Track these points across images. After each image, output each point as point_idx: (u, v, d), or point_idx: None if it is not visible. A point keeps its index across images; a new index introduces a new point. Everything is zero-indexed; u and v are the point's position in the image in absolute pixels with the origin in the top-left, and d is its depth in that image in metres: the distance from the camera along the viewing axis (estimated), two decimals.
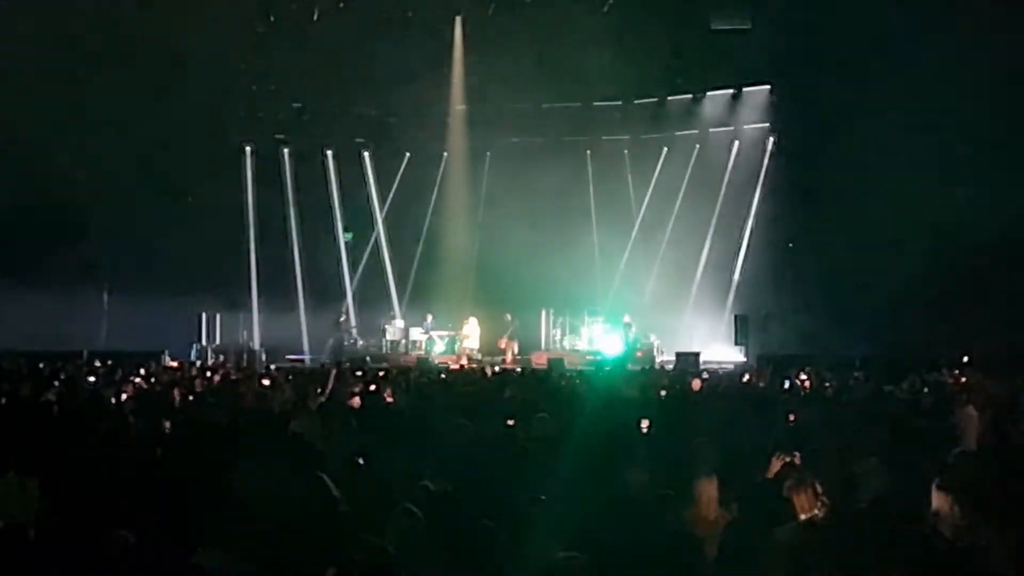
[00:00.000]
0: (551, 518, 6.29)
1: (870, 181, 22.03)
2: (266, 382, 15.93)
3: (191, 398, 13.43)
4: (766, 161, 27.37)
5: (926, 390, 14.42)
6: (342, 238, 29.75)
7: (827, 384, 15.64)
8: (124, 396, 13.65)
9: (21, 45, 19.88)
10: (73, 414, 11.04)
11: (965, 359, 18.53)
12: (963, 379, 15.67)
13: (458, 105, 29.23)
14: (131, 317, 22.96)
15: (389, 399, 13.43)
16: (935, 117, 20.09)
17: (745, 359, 24.93)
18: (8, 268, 21.53)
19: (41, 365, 18.27)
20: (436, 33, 26.00)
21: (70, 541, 5.59)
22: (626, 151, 29.73)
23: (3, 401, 12.31)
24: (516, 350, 26.96)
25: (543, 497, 6.54)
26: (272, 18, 24.18)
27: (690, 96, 28.67)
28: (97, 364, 19.22)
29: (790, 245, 26.19)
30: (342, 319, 27.77)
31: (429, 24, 24.70)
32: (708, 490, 6.62)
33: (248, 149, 29.26)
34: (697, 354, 24.67)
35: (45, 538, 5.69)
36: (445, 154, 30.32)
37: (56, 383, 14.72)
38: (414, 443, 9.16)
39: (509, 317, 27.09)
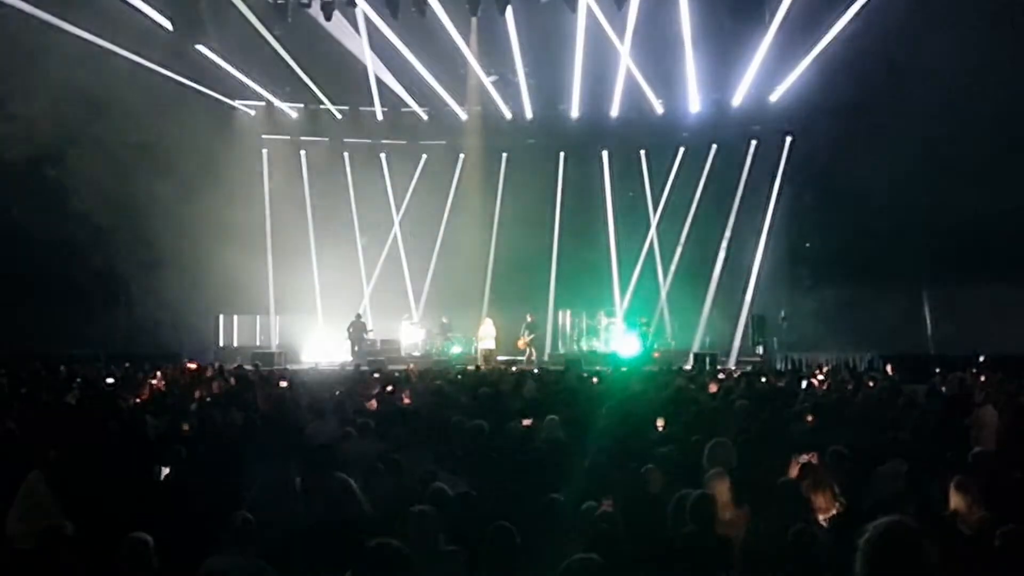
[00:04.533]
0: (568, 519, 6.28)
1: (888, 182, 21.93)
2: (283, 384, 15.96)
3: (208, 400, 13.49)
4: (783, 162, 27.25)
5: (945, 390, 14.34)
6: (359, 240, 29.79)
7: (846, 384, 15.56)
8: (141, 398, 13.73)
9: (28, 42, 19.98)
10: (90, 416, 11.10)
11: (983, 359, 18.41)
12: (982, 379, 15.56)
13: (475, 107, 29.27)
14: (149, 319, 23.02)
15: (406, 400, 13.45)
16: (953, 118, 19.98)
17: (762, 359, 24.85)
18: (26, 272, 21.65)
19: (61, 367, 18.40)
20: (452, 35, 25.97)
21: (89, 543, 5.62)
22: (643, 152, 29.67)
23: (25, 403, 12.38)
24: (534, 351, 26.96)
25: (560, 497, 6.52)
26: (288, 19, 24.24)
27: (707, 97, 28.59)
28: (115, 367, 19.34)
29: (807, 245, 26.10)
30: (359, 321, 27.81)
31: (445, 25, 24.68)
32: (721, 490, 6.59)
33: (265, 152, 29.42)
34: (715, 355, 24.61)
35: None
36: (462, 156, 30.34)
37: (74, 385, 14.82)
38: (431, 444, 9.18)
39: (530, 318, 27.08)
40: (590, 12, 23.86)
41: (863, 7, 21.69)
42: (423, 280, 29.63)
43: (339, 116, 29.93)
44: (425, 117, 29.91)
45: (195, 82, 24.96)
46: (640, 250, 28.56)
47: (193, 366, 20.70)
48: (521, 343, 26.78)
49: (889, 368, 18.19)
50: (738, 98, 27.49)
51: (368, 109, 29.32)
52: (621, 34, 24.70)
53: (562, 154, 29.69)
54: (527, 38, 25.08)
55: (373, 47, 25.30)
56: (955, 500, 5.57)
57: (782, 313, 25.87)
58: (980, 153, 20.15)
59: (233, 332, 27.97)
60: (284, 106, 29.35)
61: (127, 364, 19.83)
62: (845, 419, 11.01)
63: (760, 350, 25.63)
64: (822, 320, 23.82)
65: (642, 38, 24.67)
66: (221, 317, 27.50)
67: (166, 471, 8.14)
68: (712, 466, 7.10)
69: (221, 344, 27.36)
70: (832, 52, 23.32)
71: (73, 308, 22.11)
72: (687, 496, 6.24)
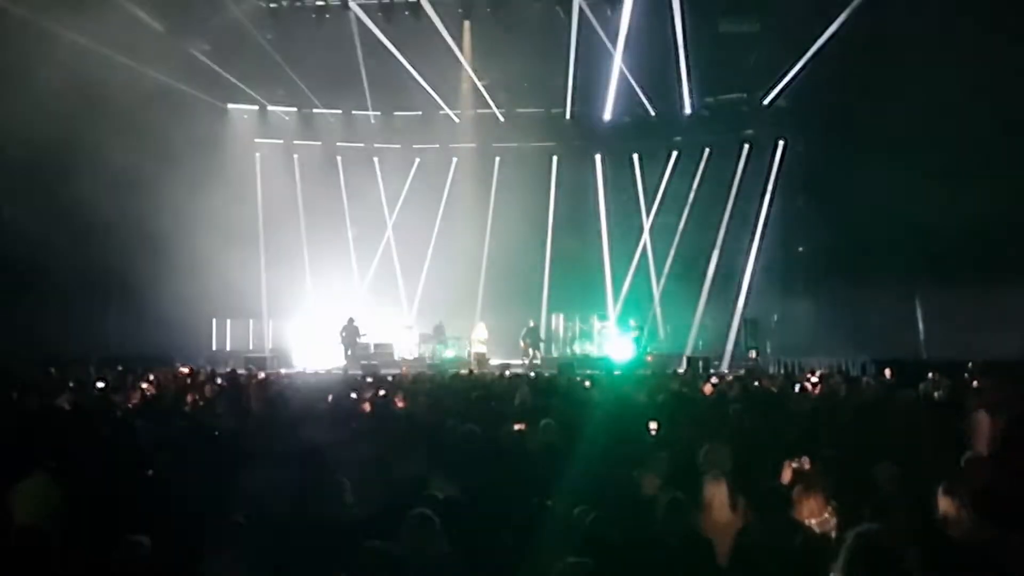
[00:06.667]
0: (560, 523, 6.28)
1: (880, 185, 21.96)
2: (276, 388, 15.91)
3: (201, 404, 13.45)
4: (775, 166, 27.30)
5: (938, 394, 14.33)
6: (352, 244, 29.79)
7: (838, 388, 15.55)
8: (132, 403, 13.68)
9: (25, 43, 19.93)
10: (82, 420, 11.05)
11: (971, 364, 18.41)
12: (975, 383, 15.55)
13: (467, 110, 29.29)
14: (142, 322, 22.95)
15: (399, 404, 13.42)
16: (943, 122, 20.02)
17: (755, 363, 24.85)
18: (17, 274, 21.57)
19: (52, 370, 18.32)
20: (445, 38, 26.00)
21: (85, 546, 5.60)
22: (635, 155, 29.71)
23: (16, 407, 12.33)
24: (536, 355, 26.95)
25: (552, 502, 6.52)
26: (281, 22, 24.23)
27: (700, 101, 28.64)
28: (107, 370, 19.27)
29: (800, 249, 26.14)
30: (352, 325, 27.78)
31: (438, 29, 24.70)
32: (718, 493, 6.59)
33: (258, 155, 29.39)
34: (708, 358, 24.62)
35: (61, 542, 5.70)
36: (455, 159, 30.36)
37: (66, 390, 14.74)
38: (424, 449, 9.16)
39: (532, 323, 27.07)
40: (583, 15, 23.87)
41: (856, 9, 21.73)
42: (416, 284, 29.63)
43: (332, 119, 29.94)
44: (418, 120, 29.95)
45: (188, 85, 24.92)
46: (633, 253, 28.61)
47: (185, 370, 20.65)
48: (525, 346, 26.75)
49: (882, 372, 18.20)
50: (730, 101, 27.56)
51: (361, 112, 29.33)
52: (614, 37, 24.74)
53: (555, 157, 29.76)
54: (520, 41, 25.08)
55: (366, 50, 25.29)
56: (943, 504, 5.58)
57: (775, 317, 25.90)
58: (974, 156, 20.19)
59: (226, 336, 27.92)
60: (277, 109, 29.35)
61: (119, 368, 19.77)
62: (838, 423, 11.00)
63: (753, 354, 25.64)
64: (815, 324, 23.88)
65: (635, 41, 24.70)
66: (214, 321, 27.45)
67: (159, 475, 8.12)
68: (707, 469, 7.10)
69: (214, 348, 27.32)
70: (825, 55, 23.36)
71: (65, 311, 22.01)
72: (678, 499, 6.24)
